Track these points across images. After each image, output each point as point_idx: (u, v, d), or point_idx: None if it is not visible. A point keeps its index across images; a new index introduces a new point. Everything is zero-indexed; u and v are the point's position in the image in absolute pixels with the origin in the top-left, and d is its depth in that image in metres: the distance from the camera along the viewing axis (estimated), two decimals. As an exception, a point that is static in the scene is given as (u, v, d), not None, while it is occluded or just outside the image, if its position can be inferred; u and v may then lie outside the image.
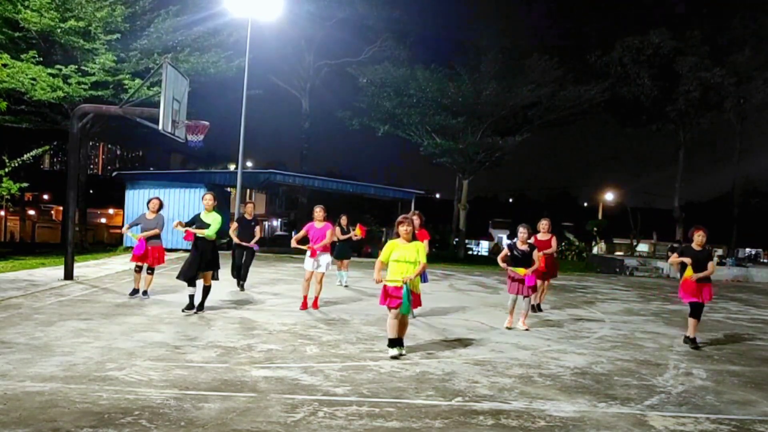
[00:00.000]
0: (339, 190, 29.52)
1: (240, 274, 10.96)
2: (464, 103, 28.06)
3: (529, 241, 8.47)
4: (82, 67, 19.32)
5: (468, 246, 40.55)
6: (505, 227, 58.02)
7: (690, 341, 7.70)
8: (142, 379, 4.88)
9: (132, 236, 9.34)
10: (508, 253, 8.44)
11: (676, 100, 31.20)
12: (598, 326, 9.17)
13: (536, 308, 10.01)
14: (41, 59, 18.51)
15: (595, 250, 35.17)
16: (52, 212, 52.22)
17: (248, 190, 31.74)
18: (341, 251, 12.66)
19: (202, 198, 8.60)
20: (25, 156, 15.94)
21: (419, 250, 6.21)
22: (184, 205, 23.89)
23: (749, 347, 8.08)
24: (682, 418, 4.68)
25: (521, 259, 8.27)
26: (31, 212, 51.30)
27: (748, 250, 51.29)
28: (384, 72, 28.49)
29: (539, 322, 9.14)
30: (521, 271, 8.22)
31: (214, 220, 8.23)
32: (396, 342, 6.22)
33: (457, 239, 31.77)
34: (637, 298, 13.96)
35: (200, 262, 8.08)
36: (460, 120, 28.45)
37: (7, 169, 15.30)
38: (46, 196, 51.40)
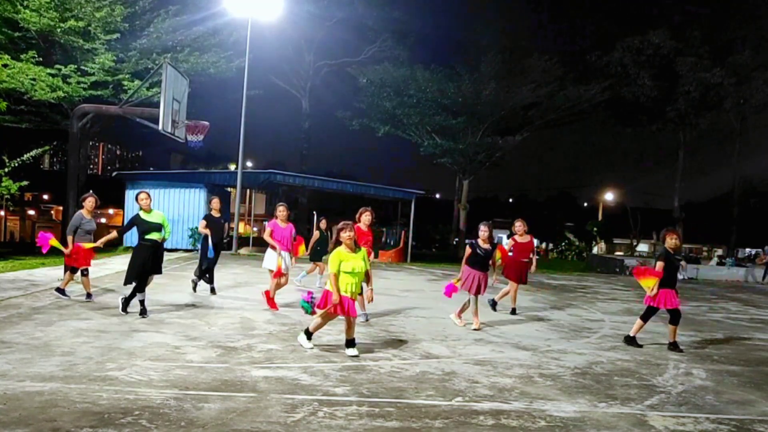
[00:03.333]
0: (339, 190, 29.50)
1: (208, 276, 10.20)
2: (464, 104, 28.08)
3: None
4: (82, 67, 19.33)
5: (468, 246, 40.57)
6: (505, 227, 58.01)
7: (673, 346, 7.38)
8: (142, 379, 4.87)
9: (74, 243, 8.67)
10: (470, 252, 8.18)
11: (676, 100, 31.23)
12: (598, 326, 9.17)
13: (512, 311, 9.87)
14: (41, 59, 18.53)
15: (594, 250, 35.17)
16: (52, 212, 52.28)
17: (248, 191, 31.74)
18: (321, 253, 11.86)
19: (137, 198, 7.78)
20: (25, 156, 15.96)
21: (365, 258, 6.03)
22: (184, 205, 23.91)
23: (749, 347, 8.08)
24: (682, 418, 4.68)
25: (483, 257, 8.13)
26: (31, 212, 51.38)
27: (748, 250, 51.25)
28: (384, 72, 28.51)
29: (539, 323, 9.15)
30: None
31: (162, 218, 7.81)
32: (352, 343, 6.17)
33: (457, 239, 31.79)
34: (637, 298, 13.94)
35: (152, 266, 7.68)
36: (460, 120, 28.47)
37: (7, 169, 15.30)
38: (46, 196, 51.46)
